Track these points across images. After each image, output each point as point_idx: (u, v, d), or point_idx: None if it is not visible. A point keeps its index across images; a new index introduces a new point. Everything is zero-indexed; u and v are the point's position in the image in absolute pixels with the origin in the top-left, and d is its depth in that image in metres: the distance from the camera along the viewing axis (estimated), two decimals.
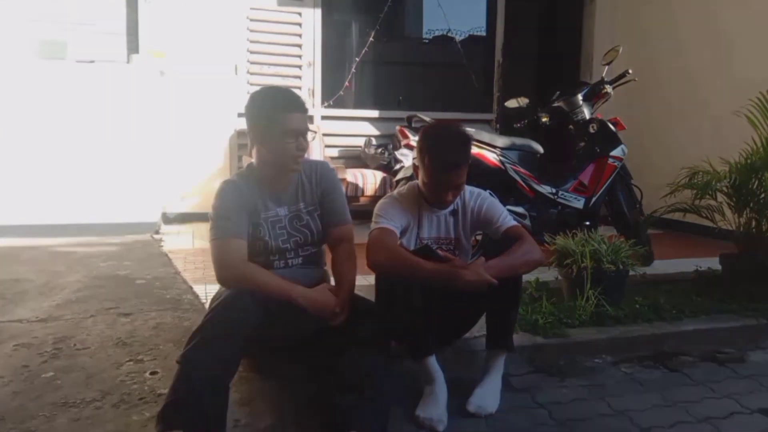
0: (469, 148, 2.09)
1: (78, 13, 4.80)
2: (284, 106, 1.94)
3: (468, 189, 2.21)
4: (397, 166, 4.61)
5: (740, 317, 2.79)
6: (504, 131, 5.66)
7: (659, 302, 2.85)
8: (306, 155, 2.03)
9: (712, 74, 4.86)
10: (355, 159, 5.43)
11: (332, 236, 2.08)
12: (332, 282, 2.19)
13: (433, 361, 1.98)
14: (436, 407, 1.90)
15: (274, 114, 1.92)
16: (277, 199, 2.04)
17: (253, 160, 2.06)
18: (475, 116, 5.88)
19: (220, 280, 1.90)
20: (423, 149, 2.06)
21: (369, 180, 4.95)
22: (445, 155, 2.01)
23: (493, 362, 2.08)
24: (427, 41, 7.63)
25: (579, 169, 3.77)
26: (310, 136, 2.00)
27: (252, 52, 5.26)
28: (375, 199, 2.61)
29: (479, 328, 2.27)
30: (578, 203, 3.68)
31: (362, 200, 4.84)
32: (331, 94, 5.66)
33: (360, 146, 5.39)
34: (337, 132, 5.53)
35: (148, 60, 4.78)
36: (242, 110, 2.07)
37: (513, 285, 2.01)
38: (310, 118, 5.31)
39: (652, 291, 3.11)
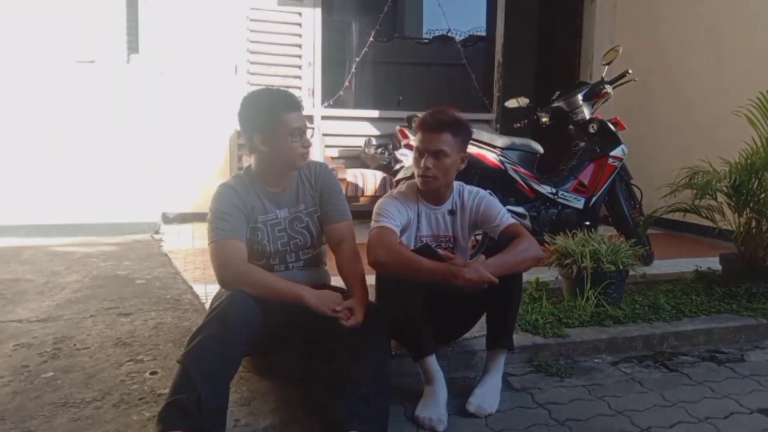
0: (457, 122, 2.09)
1: (78, 12, 4.80)
2: (284, 106, 1.94)
3: (467, 188, 2.21)
4: (397, 166, 4.61)
5: (740, 317, 2.79)
6: (504, 131, 5.67)
7: (659, 302, 2.85)
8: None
9: (712, 74, 4.87)
10: (355, 159, 5.44)
11: (332, 234, 2.07)
12: (332, 281, 2.21)
13: (433, 361, 1.98)
14: (436, 407, 1.90)
15: (276, 116, 1.92)
16: (276, 202, 2.04)
17: (252, 162, 2.06)
18: (475, 116, 5.88)
19: (221, 281, 1.90)
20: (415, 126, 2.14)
21: (369, 180, 4.95)
22: (428, 116, 2.09)
23: (493, 362, 2.08)
24: (427, 41, 7.64)
25: (579, 169, 3.77)
26: (309, 132, 2.01)
27: (252, 52, 5.26)
28: (375, 199, 2.61)
29: (479, 328, 2.27)
30: (578, 203, 3.68)
31: (362, 200, 4.84)
32: (331, 94, 5.66)
33: (360, 146, 5.39)
34: (337, 132, 5.53)
35: (148, 60, 4.78)
36: None
37: (513, 284, 2.01)
38: (310, 118, 5.32)
39: (652, 291, 3.11)
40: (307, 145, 1.98)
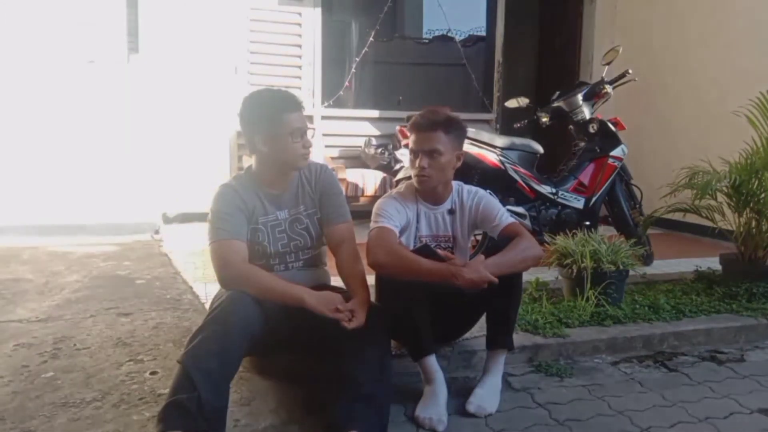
0: (449, 121, 2.10)
1: (78, 13, 4.80)
2: (285, 107, 1.94)
3: (466, 188, 2.22)
4: (397, 166, 4.61)
5: (740, 317, 2.79)
6: (504, 131, 5.67)
7: (659, 302, 2.86)
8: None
9: (712, 74, 4.86)
10: (355, 159, 5.43)
11: (332, 235, 2.07)
12: (331, 281, 2.20)
13: (433, 361, 1.98)
14: (436, 407, 1.91)
15: (277, 116, 1.92)
16: (277, 203, 2.04)
17: (252, 163, 2.06)
18: (475, 116, 5.88)
19: (222, 281, 1.89)
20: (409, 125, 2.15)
21: (369, 180, 4.95)
22: (420, 116, 2.10)
23: (493, 362, 2.08)
24: (427, 41, 7.64)
25: (579, 169, 3.77)
26: (309, 133, 2.01)
27: (252, 52, 5.26)
28: (375, 199, 2.61)
29: (479, 328, 2.27)
30: (578, 203, 3.68)
31: (362, 200, 4.83)
32: (331, 94, 5.66)
33: (360, 146, 5.39)
34: (337, 132, 5.53)
35: (148, 60, 4.78)
36: None
37: (513, 284, 2.02)
38: (310, 118, 5.32)
39: (652, 291, 3.11)
40: (308, 146, 1.98)
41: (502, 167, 3.47)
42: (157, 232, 4.71)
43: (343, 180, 4.74)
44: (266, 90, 2.04)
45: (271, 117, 1.93)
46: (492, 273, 1.87)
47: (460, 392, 2.04)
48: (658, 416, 1.99)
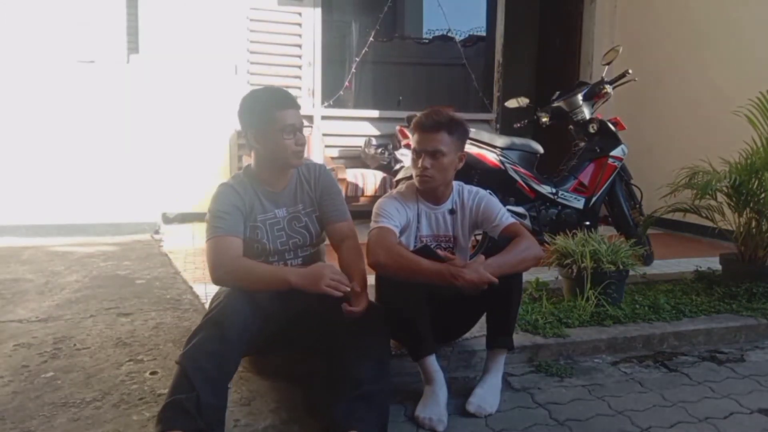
0: (453, 122, 2.09)
1: (78, 13, 4.80)
2: (277, 104, 1.95)
3: (466, 188, 2.22)
4: (397, 166, 4.62)
5: (740, 317, 2.79)
6: (504, 131, 5.67)
7: (659, 302, 2.85)
8: (305, 153, 2.04)
9: (712, 74, 4.86)
10: (355, 159, 5.43)
11: (334, 234, 2.09)
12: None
13: (433, 361, 1.98)
14: (436, 407, 1.90)
15: (269, 113, 1.93)
16: (275, 201, 2.05)
17: (251, 162, 2.07)
18: (475, 116, 5.88)
19: (214, 278, 1.90)
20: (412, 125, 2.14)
21: (369, 180, 4.95)
22: (424, 116, 2.09)
23: (493, 362, 2.08)
24: (427, 41, 7.64)
25: (579, 169, 3.77)
26: (306, 130, 2.01)
27: (252, 52, 5.26)
28: (375, 199, 2.61)
29: (479, 328, 2.27)
30: (578, 203, 3.68)
31: (362, 200, 4.84)
32: (331, 94, 5.66)
33: (360, 146, 5.39)
34: (337, 132, 5.53)
35: (148, 60, 4.78)
36: None
37: (513, 284, 2.01)
38: (310, 118, 5.32)
39: (652, 291, 3.11)
40: (301, 143, 1.98)
41: (502, 167, 3.47)
42: (157, 232, 4.71)
43: (343, 180, 4.74)
44: (263, 88, 2.07)
45: (264, 113, 1.94)
46: (492, 273, 1.87)
47: (460, 392, 2.04)
48: (658, 416, 1.99)
